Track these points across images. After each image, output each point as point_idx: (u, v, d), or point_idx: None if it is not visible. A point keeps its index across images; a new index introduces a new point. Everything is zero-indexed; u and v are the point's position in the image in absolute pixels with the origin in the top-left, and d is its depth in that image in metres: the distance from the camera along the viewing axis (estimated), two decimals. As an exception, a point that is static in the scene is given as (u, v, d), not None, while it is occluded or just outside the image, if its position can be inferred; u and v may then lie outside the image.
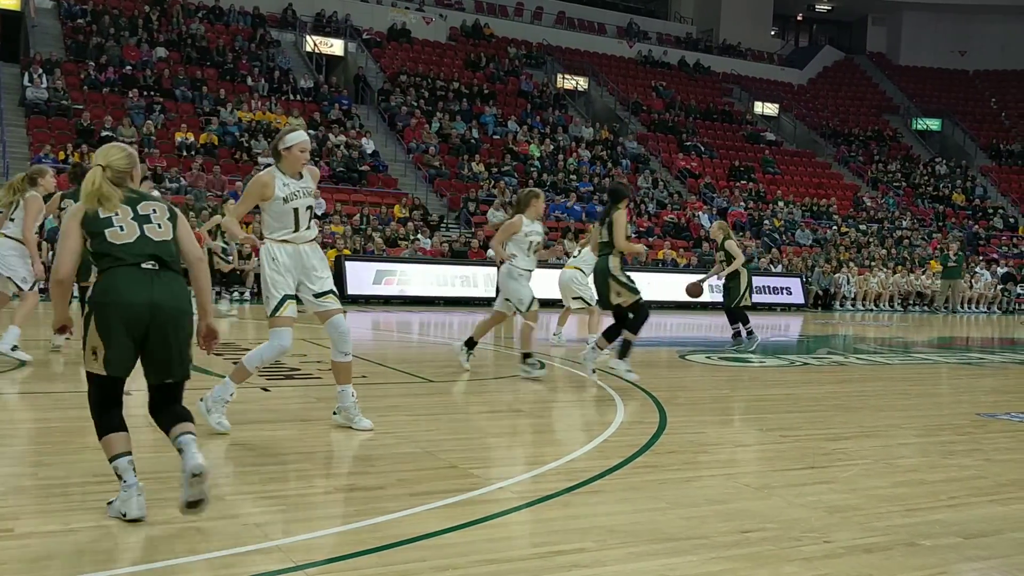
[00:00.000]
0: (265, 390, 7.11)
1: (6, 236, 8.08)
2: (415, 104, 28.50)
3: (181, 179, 20.55)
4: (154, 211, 3.84)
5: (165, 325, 3.69)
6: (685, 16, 43.17)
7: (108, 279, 3.70)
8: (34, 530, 3.55)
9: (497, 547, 3.58)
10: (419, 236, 21.24)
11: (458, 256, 20.94)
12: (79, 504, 3.89)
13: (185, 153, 22.12)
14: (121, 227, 3.74)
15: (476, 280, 19.93)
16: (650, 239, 24.24)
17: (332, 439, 5.53)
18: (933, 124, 41.12)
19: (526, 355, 8.13)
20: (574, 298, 10.99)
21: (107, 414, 3.73)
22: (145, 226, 3.78)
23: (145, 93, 23.90)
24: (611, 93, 34.86)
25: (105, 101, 23.25)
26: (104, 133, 21.49)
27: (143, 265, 3.71)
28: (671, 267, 23.23)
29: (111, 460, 3.70)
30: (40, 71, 22.88)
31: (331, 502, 4.12)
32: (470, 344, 8.55)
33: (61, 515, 3.73)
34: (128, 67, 24.75)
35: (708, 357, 10.80)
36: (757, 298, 23.22)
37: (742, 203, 29.51)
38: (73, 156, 20.34)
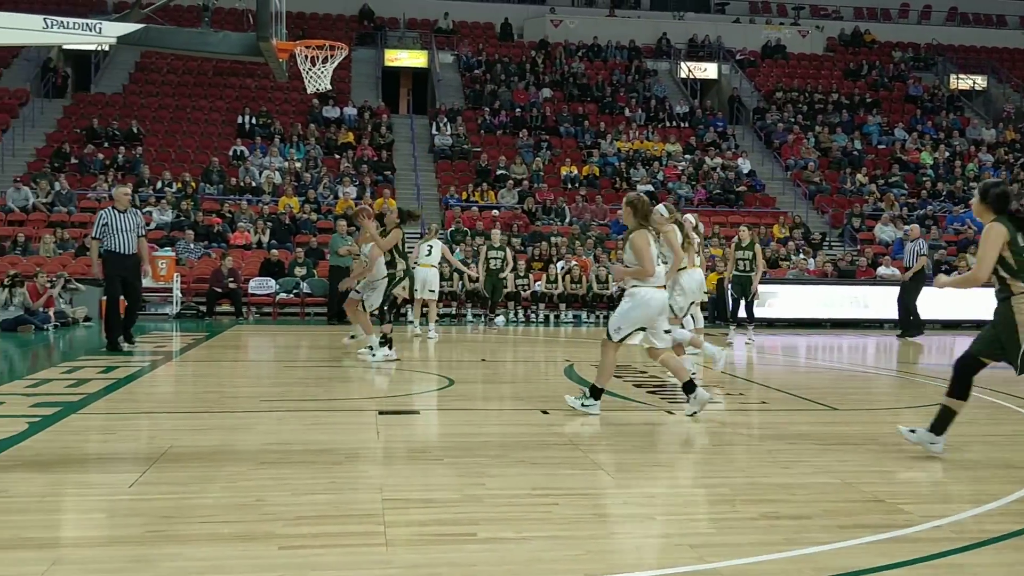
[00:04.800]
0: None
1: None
2: (792, 120, 27.72)
3: (566, 209, 21.83)
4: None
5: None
6: (1109, -7, 37.50)
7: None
8: (493, 536, 3.95)
9: (949, 591, 3.36)
10: (801, 255, 20.53)
11: (845, 275, 19.91)
12: (525, 514, 4.27)
13: (570, 186, 23.45)
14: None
15: (866, 300, 18.80)
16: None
17: (743, 465, 5.51)
18: None
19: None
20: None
21: None
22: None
23: (533, 132, 25.75)
24: (1015, 90, 31.21)
25: (499, 143, 25.40)
26: (499, 172, 23.47)
27: None
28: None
29: None
30: (444, 120, 25.61)
31: (759, 528, 4.12)
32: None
33: (513, 524, 4.12)
34: (518, 109, 26.84)
35: None
36: None
37: None
38: (473, 195, 22.49)
